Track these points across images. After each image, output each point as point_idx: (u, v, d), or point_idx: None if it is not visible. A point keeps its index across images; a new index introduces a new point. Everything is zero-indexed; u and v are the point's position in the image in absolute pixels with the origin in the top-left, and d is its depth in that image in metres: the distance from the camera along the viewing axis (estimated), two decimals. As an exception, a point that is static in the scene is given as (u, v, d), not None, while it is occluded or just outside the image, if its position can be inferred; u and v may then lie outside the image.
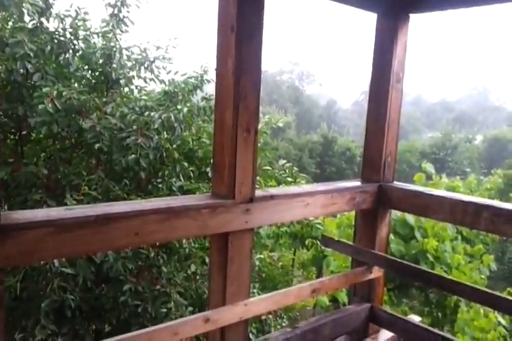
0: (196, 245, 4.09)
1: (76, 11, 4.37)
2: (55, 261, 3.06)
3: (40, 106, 3.62)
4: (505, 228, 2.19)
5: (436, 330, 2.56)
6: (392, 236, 6.06)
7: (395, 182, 2.77)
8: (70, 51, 4.26)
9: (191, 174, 4.26)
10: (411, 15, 2.71)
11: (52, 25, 4.19)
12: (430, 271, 2.73)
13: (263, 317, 4.74)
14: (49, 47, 4.02)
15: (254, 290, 4.40)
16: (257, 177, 4.74)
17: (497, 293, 2.35)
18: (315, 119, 48.43)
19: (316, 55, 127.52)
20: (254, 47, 1.94)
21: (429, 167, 8.77)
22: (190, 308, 3.88)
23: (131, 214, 1.66)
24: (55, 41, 4.11)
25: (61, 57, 4.23)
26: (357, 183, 2.73)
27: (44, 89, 3.68)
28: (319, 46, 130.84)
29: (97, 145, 3.83)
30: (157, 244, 3.65)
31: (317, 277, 8.54)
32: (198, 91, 4.82)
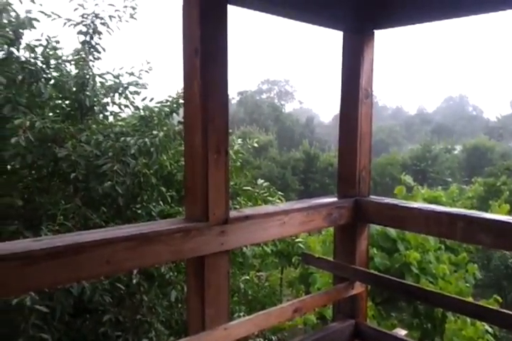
0: (175, 273, 4.02)
1: (47, 39, 4.38)
2: (28, 298, 2.96)
3: (13, 140, 3.59)
4: (481, 237, 2.20)
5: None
6: (375, 250, 6.06)
7: (370, 196, 2.78)
8: (42, 80, 4.24)
9: (169, 198, 4.23)
10: (375, 31, 2.76)
11: (22, 54, 4.19)
12: (412, 283, 2.73)
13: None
14: (20, 77, 4.00)
15: (241, 314, 4.32)
16: (239, 198, 4.75)
17: (480, 303, 2.35)
18: (296, 136, 48.69)
19: (295, 73, 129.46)
20: (219, 69, 1.95)
21: (408, 179, 8.85)
22: (171, 338, 3.81)
23: (102, 243, 1.63)
24: (26, 70, 4.09)
25: (33, 87, 4.21)
26: (333, 199, 2.73)
27: (16, 121, 3.65)
28: (297, 64, 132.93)
29: (72, 175, 3.79)
30: (135, 271, 3.59)
31: (306, 295, 8.45)
32: (174, 114, 4.83)
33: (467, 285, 6.31)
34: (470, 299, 4.22)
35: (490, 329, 5.65)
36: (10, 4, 4.07)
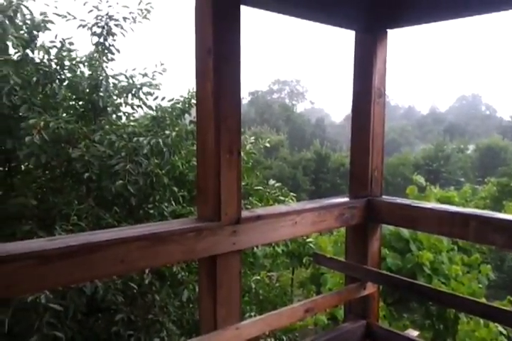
0: (187, 273, 4.03)
1: (61, 41, 4.42)
2: (42, 296, 3.00)
3: (27, 139, 3.63)
4: (494, 237, 2.18)
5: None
6: (387, 250, 6.03)
7: (383, 197, 2.76)
8: (57, 81, 4.29)
9: (181, 198, 4.25)
10: (388, 30, 2.75)
11: (37, 56, 4.24)
12: (424, 284, 2.71)
13: (261, 341, 4.67)
14: (35, 79, 4.04)
15: (252, 314, 4.33)
16: (250, 198, 4.76)
17: (494, 304, 2.33)
18: (307, 136, 48.60)
19: (306, 73, 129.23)
20: (232, 69, 1.95)
21: (420, 179, 8.79)
22: (183, 337, 3.82)
23: (116, 242, 1.65)
24: (41, 72, 4.13)
25: (47, 88, 4.25)
26: (345, 199, 2.72)
27: (30, 121, 3.68)
28: (308, 64, 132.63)
29: (86, 175, 3.82)
30: (147, 271, 3.61)
31: (317, 295, 8.43)
32: (186, 115, 4.85)
33: (480, 286, 6.27)
34: (483, 300, 4.19)
35: (504, 331, 5.60)
36: (26, 6, 4.10)
